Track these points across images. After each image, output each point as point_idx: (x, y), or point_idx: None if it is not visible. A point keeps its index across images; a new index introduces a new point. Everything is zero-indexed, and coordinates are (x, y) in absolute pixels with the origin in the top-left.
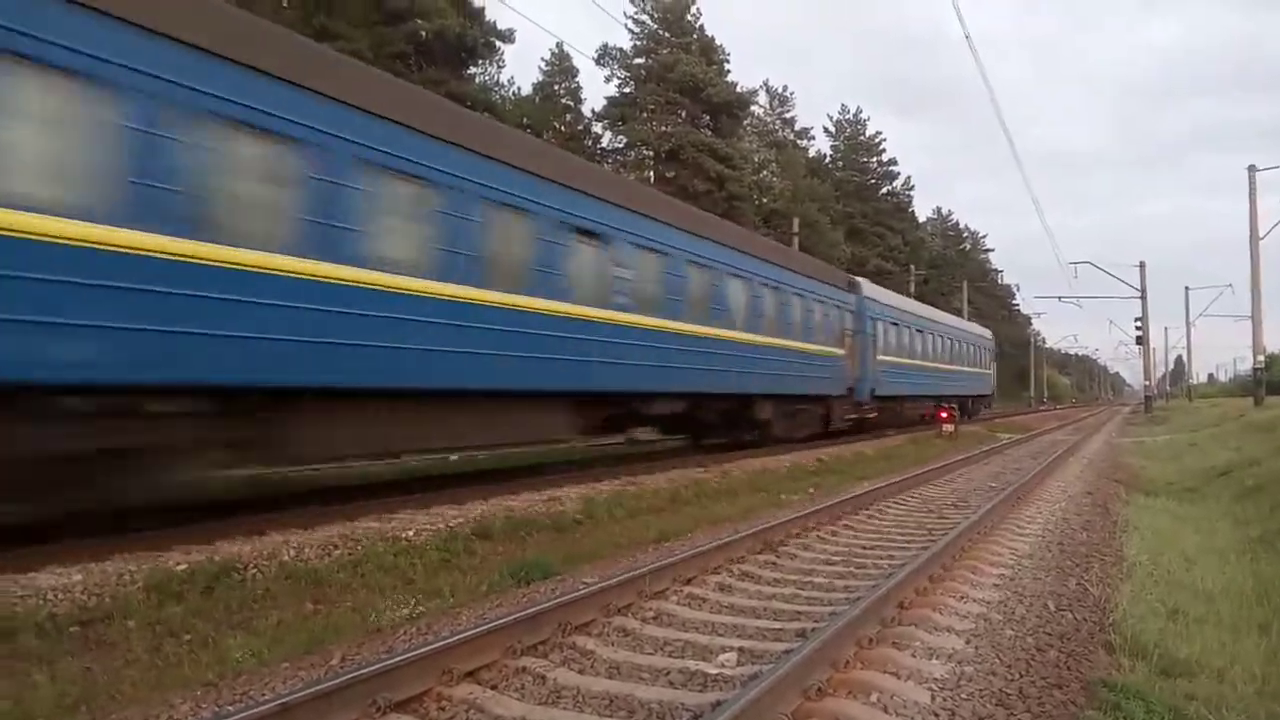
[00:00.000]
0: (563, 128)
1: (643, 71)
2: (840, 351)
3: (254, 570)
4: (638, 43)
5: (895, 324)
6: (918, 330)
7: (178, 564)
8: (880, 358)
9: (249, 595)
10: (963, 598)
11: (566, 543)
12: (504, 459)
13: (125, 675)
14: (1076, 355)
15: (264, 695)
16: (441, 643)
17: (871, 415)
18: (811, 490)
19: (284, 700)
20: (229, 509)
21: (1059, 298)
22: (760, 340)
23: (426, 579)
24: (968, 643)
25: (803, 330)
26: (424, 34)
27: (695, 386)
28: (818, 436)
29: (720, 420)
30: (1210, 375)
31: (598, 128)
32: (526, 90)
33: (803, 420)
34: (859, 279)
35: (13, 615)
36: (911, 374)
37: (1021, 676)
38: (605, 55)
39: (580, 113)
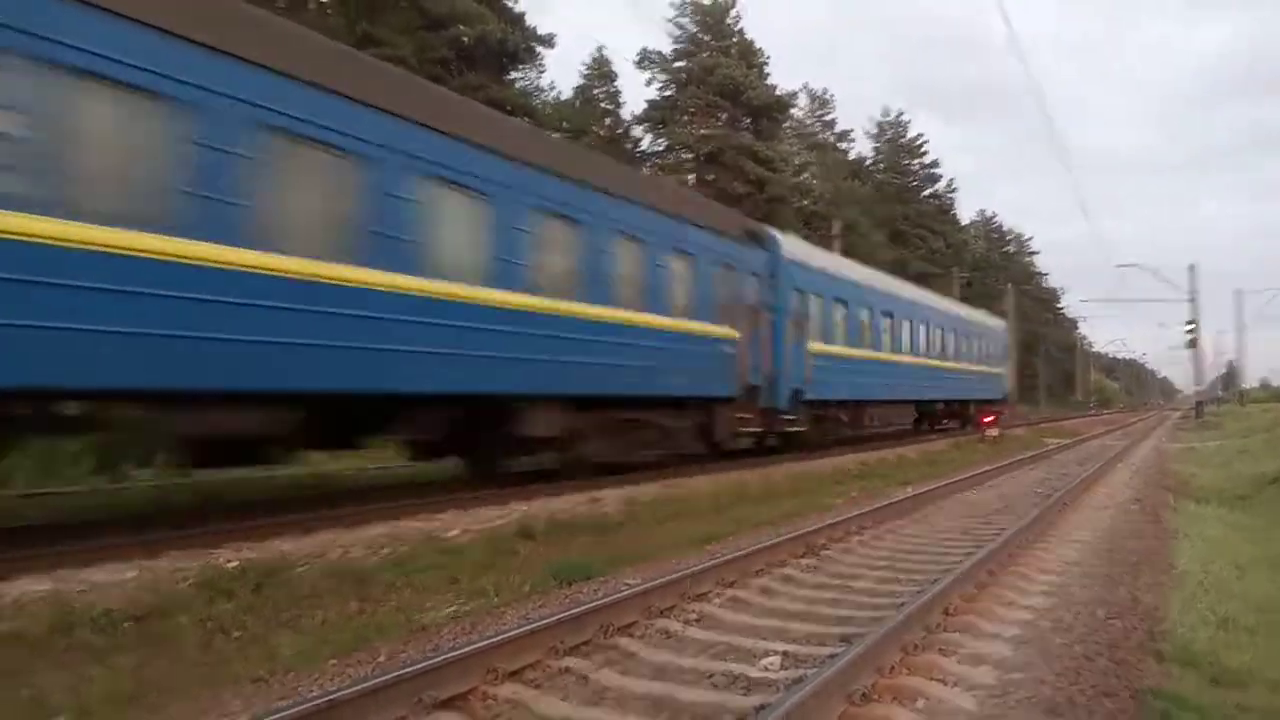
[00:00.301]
0: (602, 131)
1: (683, 75)
2: (731, 333)
3: (302, 568)
4: (678, 46)
5: (843, 301)
6: (885, 313)
7: (229, 561)
8: (815, 347)
9: (297, 593)
10: (1010, 604)
11: (608, 544)
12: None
13: (177, 670)
14: (1125, 359)
15: (312, 691)
16: (486, 642)
17: (796, 430)
18: (854, 494)
19: (332, 696)
20: (277, 507)
21: (1106, 301)
22: (538, 305)
23: (470, 578)
24: (1015, 650)
25: (646, 294)
26: (465, 40)
27: (329, 382)
28: (689, 460)
29: (448, 438)
30: (1263, 380)
31: (638, 131)
32: (567, 94)
33: (651, 435)
34: (776, 232)
35: (71, 610)
36: (871, 371)
37: (1070, 685)
38: (645, 59)
39: (619, 116)
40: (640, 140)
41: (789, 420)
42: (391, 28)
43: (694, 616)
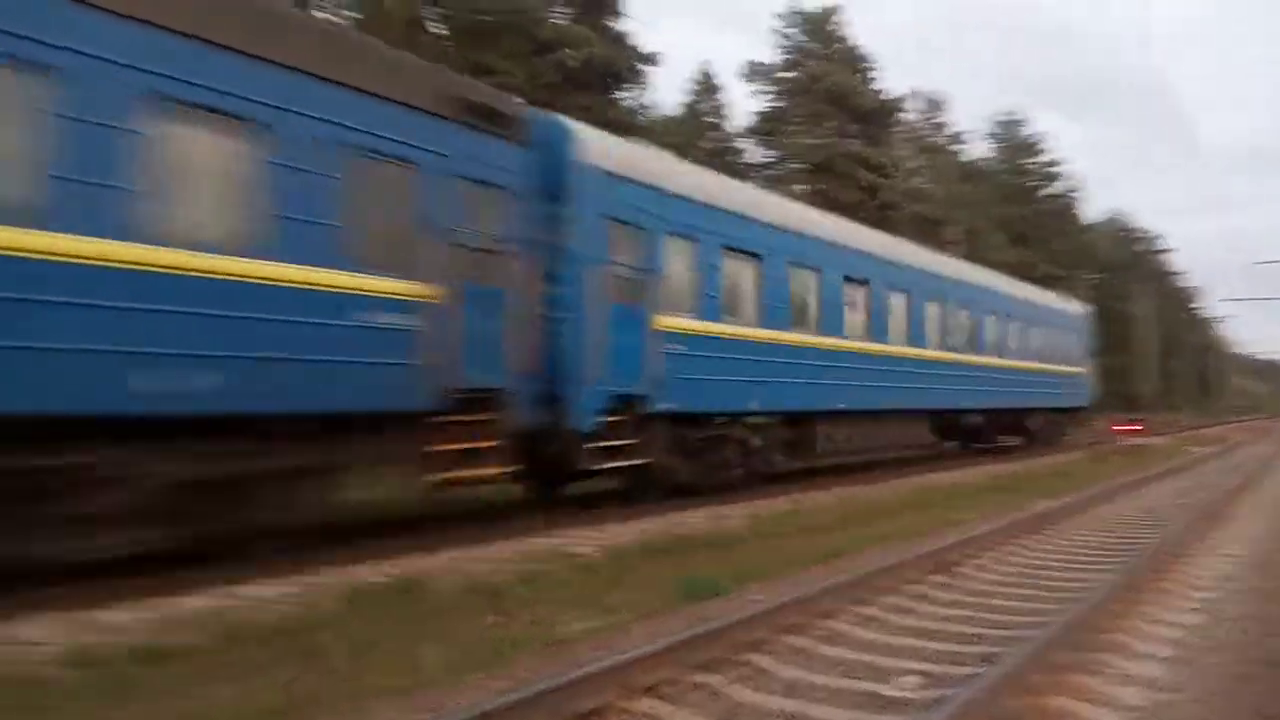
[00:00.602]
0: (709, 145)
1: (791, 85)
2: (410, 291)
3: (440, 584)
4: (786, 56)
5: (751, 254)
6: (854, 280)
7: (372, 578)
8: (676, 324)
9: (436, 608)
10: (1158, 621)
11: (735, 560)
12: None
13: (326, 683)
14: (1273, 362)
15: (455, 705)
16: (621, 657)
17: (626, 464)
18: (983, 509)
19: (475, 711)
20: (412, 525)
21: (1247, 300)
22: None
23: (599, 594)
24: (1167, 670)
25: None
26: (572, 63)
27: None
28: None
29: None
30: None
31: (746, 143)
32: (674, 110)
33: (127, 500)
34: (570, 121)
35: (233, 624)
36: (826, 368)
37: (1227, 706)
38: (754, 71)
39: (726, 130)
40: (743, 152)
41: (606, 449)
42: (501, 54)
43: (824, 634)
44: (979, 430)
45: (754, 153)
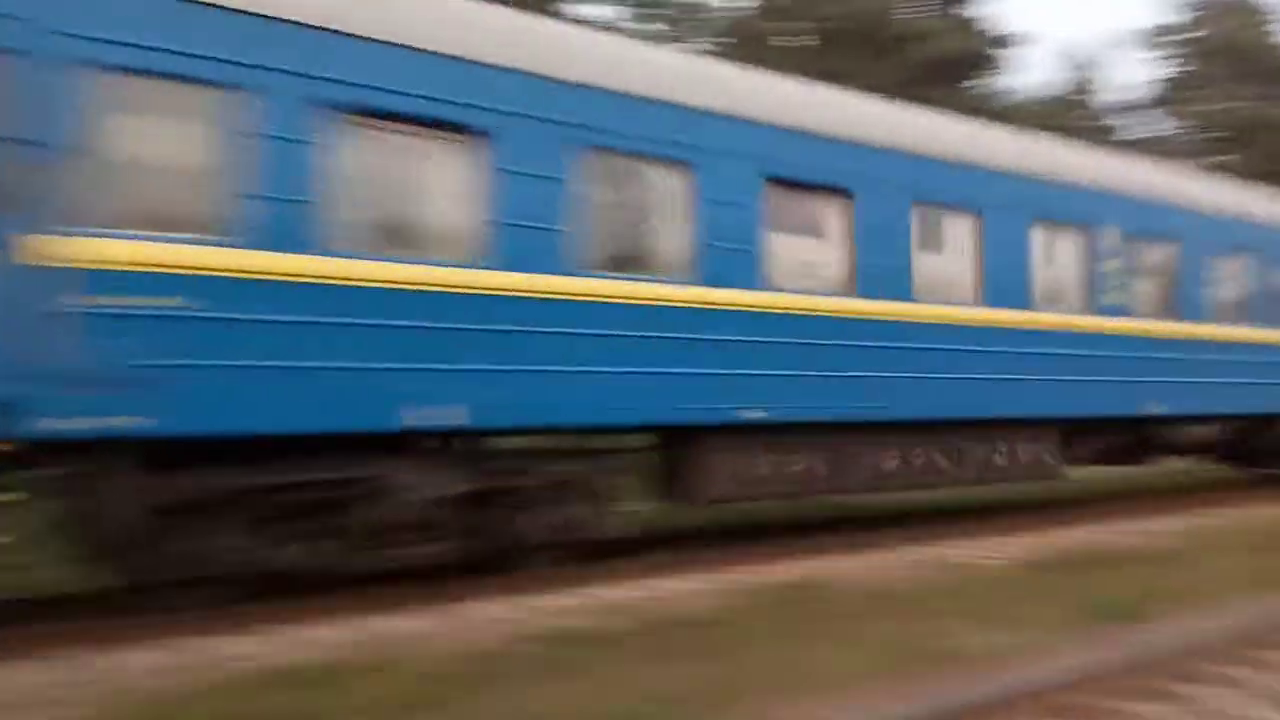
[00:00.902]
0: (1085, 122)
1: (1199, 46)
2: None
3: (840, 588)
4: (1196, 14)
5: (429, 123)
6: (804, 188)
7: (780, 577)
8: (128, 257)
9: (841, 610)
10: None
11: (1156, 579)
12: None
13: (734, 675)
14: None
15: (859, 709)
16: (1034, 678)
17: None
18: None
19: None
20: (820, 527)
21: None
22: None
23: (1001, 607)
24: None
25: None
26: (918, 57)
27: None
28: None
29: None
30: None
31: (1129, 118)
32: (1046, 88)
33: None
34: None
35: (655, 615)
36: (716, 343)
37: None
38: (1162, 33)
39: (1091, 107)
40: (1112, 129)
41: None
42: (849, 56)
43: (1268, 666)
44: (1211, 447)
45: (1133, 128)
